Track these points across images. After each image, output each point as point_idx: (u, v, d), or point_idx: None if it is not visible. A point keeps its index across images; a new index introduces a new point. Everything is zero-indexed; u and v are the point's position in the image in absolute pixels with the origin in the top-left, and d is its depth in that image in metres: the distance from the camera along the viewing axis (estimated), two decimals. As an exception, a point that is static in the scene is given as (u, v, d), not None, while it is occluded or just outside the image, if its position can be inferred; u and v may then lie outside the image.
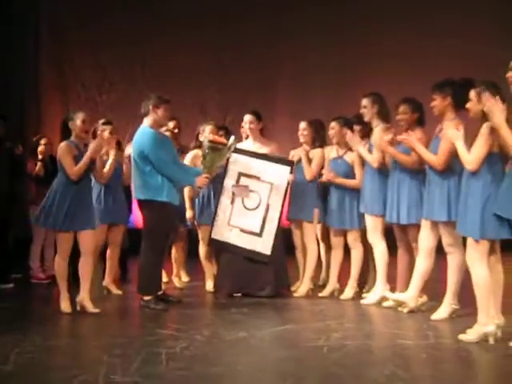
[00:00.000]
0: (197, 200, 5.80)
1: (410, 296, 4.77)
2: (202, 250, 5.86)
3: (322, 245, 5.95)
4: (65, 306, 4.85)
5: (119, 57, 9.06)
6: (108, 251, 5.74)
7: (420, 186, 4.82)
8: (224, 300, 5.44)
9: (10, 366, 3.52)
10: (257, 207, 5.47)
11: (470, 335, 4.00)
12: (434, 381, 3.34)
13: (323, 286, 5.72)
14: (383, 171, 5.12)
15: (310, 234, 5.60)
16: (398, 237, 5.06)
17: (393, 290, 5.07)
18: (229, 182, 5.57)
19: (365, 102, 5.19)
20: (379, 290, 5.15)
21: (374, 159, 5.12)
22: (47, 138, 6.44)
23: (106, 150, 5.31)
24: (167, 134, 5.62)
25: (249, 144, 5.74)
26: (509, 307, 4.14)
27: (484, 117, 3.87)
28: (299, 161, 5.61)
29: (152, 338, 4.14)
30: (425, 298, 4.87)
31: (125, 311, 5.30)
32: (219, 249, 5.69)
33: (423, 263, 4.68)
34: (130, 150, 5.40)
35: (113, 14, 8.93)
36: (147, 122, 5.09)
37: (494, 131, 3.81)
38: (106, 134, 5.48)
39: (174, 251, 6.08)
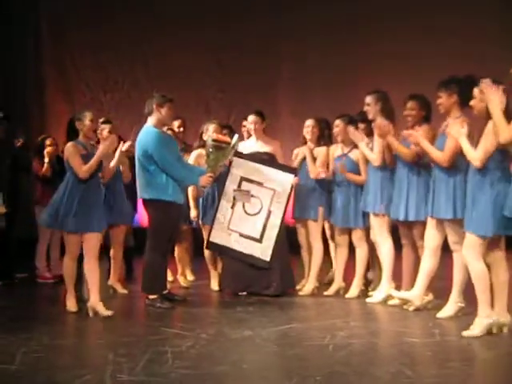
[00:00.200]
0: (201, 200, 5.78)
1: (416, 294, 4.77)
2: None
3: (331, 243, 5.94)
4: (71, 304, 4.86)
5: (119, 57, 9.03)
6: (112, 251, 5.74)
7: (429, 183, 4.77)
8: (229, 298, 5.43)
9: (16, 366, 3.52)
10: (258, 213, 5.43)
11: (474, 330, 4.00)
12: (440, 379, 3.32)
13: (329, 284, 5.71)
14: (385, 169, 5.10)
15: (315, 233, 5.59)
16: (403, 234, 5.05)
17: (398, 288, 5.07)
18: (230, 185, 5.51)
19: (368, 99, 5.16)
20: (385, 288, 5.14)
21: (374, 158, 5.11)
22: (52, 138, 6.41)
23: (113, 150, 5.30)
24: (169, 132, 5.61)
25: (251, 143, 5.73)
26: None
27: (488, 114, 3.86)
28: (304, 159, 5.60)
29: (157, 336, 4.14)
30: (430, 296, 4.87)
31: (130, 310, 5.30)
32: (217, 252, 5.68)
33: (429, 261, 4.68)
34: (124, 148, 5.37)
35: (113, 14, 8.91)
36: (151, 121, 5.08)
37: None
38: (105, 132, 5.50)
39: (177, 250, 6.07)
